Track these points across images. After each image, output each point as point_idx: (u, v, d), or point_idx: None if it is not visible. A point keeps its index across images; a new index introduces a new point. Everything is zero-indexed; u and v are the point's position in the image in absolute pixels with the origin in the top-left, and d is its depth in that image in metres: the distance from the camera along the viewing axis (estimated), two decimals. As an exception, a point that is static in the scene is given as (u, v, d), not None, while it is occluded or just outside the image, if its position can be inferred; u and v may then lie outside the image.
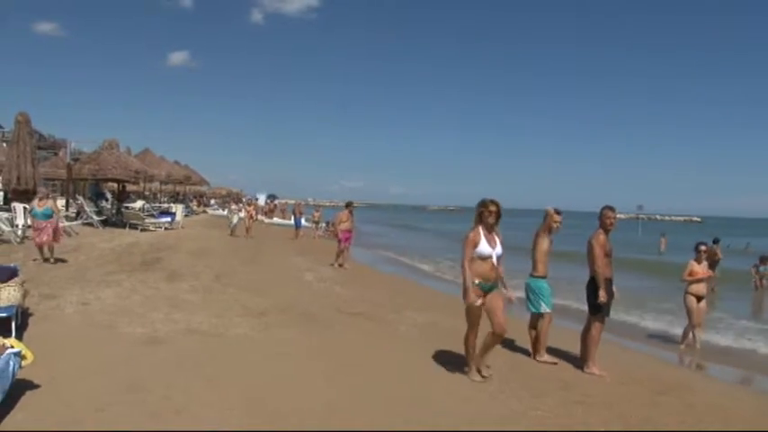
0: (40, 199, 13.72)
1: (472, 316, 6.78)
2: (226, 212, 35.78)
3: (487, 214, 6.63)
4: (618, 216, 7.96)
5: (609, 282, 7.61)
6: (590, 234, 7.74)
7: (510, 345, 8.48)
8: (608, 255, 7.63)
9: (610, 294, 7.58)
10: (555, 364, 7.91)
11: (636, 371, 7.98)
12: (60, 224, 14.14)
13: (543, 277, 8.04)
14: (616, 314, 7.88)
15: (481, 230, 6.63)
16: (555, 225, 8.00)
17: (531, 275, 8.12)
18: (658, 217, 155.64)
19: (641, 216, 64.12)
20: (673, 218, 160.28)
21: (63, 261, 13.53)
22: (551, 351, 8.29)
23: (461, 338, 9.09)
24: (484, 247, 6.57)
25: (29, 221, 17.25)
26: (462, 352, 7.12)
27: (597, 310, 7.63)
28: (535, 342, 8.15)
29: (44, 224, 13.19)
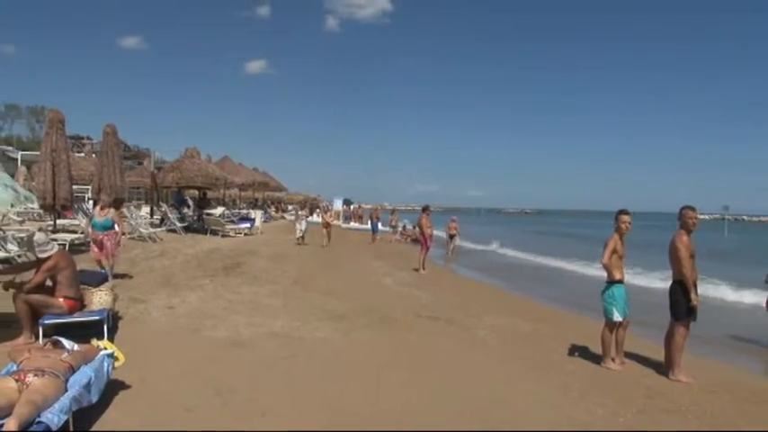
0: (102, 208, 12.33)
1: None
2: (293, 218, 33.17)
3: None
4: (701, 216, 7.68)
5: (694, 285, 7.28)
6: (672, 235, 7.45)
7: (591, 351, 8.31)
8: (692, 256, 7.27)
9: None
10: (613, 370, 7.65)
11: (725, 378, 7.61)
12: (117, 237, 12.28)
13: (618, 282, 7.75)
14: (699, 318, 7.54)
15: None
16: (624, 226, 7.72)
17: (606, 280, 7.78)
18: (746, 218, 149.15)
19: (727, 217, 61.73)
20: (761, 218, 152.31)
21: (125, 276, 12.66)
22: (631, 356, 8.08)
23: (541, 342, 8.96)
24: None
25: (117, 228, 17.89)
26: (544, 356, 6.98)
27: (684, 315, 7.28)
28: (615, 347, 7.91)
29: (101, 236, 11.77)
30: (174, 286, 11.80)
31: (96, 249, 11.84)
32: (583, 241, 35.67)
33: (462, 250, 30.14)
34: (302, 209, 33.24)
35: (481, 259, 27.55)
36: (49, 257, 7.16)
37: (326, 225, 25.37)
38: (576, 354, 8.30)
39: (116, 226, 12.21)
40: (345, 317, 9.88)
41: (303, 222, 25.22)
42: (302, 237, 24.35)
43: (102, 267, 11.41)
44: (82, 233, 16.11)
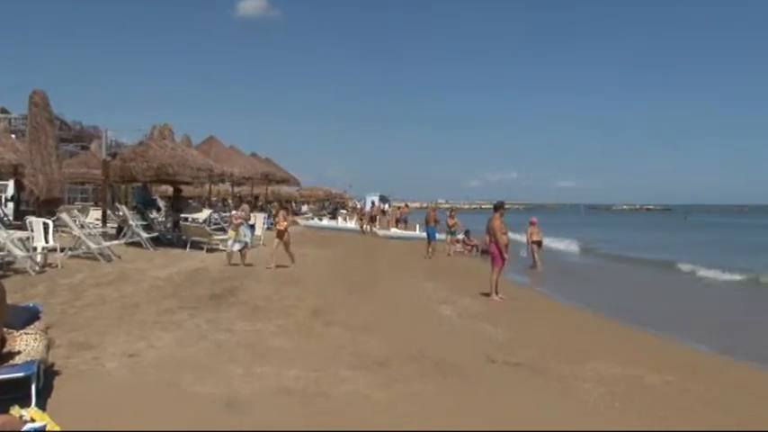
0: None
1: None
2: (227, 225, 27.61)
3: None
4: None
5: None
6: None
7: (762, 417, 7.98)
8: None
9: None
10: None
11: None
12: None
13: None
14: None
15: None
16: None
17: None
18: None
19: None
20: None
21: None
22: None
23: (678, 404, 8.58)
24: None
25: (51, 242, 17.75)
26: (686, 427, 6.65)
27: None
28: None
29: None
30: (139, 324, 11.73)
31: None
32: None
33: (557, 264, 29.93)
34: (238, 206, 27.87)
35: (583, 277, 27.25)
36: None
37: (280, 233, 22.42)
38: (736, 423, 7.99)
39: None
40: (386, 363, 9.77)
41: (244, 230, 22.18)
42: (242, 251, 21.53)
43: None
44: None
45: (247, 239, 22.12)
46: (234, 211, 24.82)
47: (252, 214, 34.81)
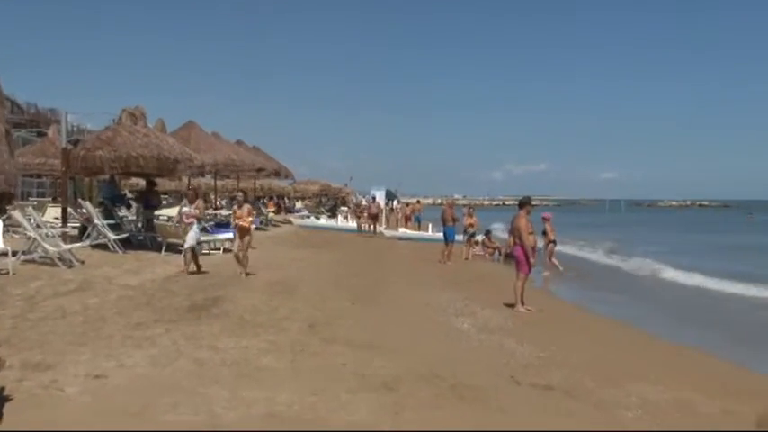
0: None
1: None
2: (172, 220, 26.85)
3: None
4: None
5: None
6: None
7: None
8: None
9: None
10: None
11: None
12: None
13: None
14: None
15: None
16: None
17: None
18: None
19: None
20: None
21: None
22: None
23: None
24: None
25: (1, 244, 17.64)
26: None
27: None
28: None
29: None
30: (106, 340, 11.73)
31: None
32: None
33: (585, 270, 29.90)
34: (193, 200, 26.27)
35: (623, 284, 27.25)
36: None
37: (243, 233, 21.19)
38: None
39: None
40: (393, 386, 9.73)
41: (193, 232, 21.03)
42: (187, 257, 20.92)
43: None
44: None
45: (194, 242, 21.01)
46: (185, 208, 22.99)
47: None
